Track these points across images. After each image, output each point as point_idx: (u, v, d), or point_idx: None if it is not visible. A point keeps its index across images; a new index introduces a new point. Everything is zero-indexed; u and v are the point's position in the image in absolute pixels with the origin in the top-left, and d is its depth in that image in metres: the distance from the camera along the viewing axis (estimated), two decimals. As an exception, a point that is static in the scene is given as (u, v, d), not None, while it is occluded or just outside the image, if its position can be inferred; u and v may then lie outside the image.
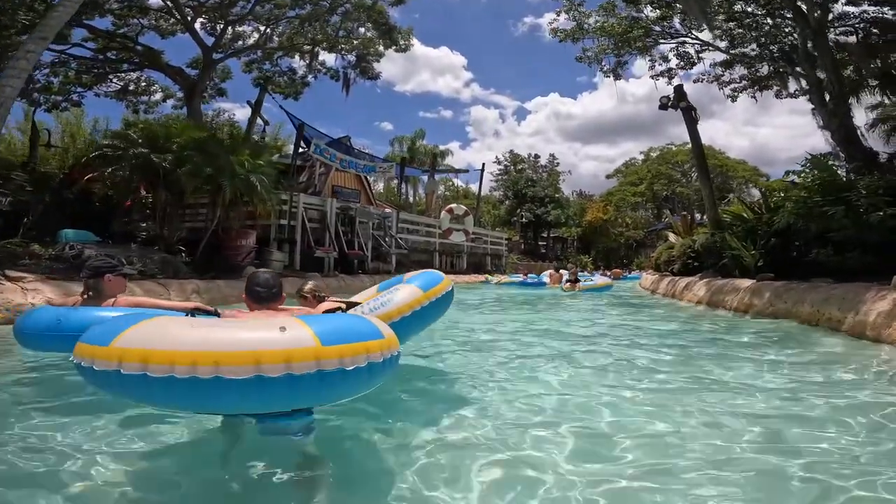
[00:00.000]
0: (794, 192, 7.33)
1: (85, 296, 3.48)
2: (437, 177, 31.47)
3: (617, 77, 16.90)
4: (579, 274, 15.78)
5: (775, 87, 16.13)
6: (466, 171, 29.26)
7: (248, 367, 1.50)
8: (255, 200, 10.21)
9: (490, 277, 19.50)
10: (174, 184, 9.90)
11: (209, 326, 1.67)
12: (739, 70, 16.02)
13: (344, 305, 3.14)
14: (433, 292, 3.28)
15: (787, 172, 7.52)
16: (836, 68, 11.25)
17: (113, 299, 3.40)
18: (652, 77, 16.19)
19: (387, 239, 15.68)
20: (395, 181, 35.97)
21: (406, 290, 3.21)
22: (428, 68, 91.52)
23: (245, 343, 1.55)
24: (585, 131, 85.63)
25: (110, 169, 9.75)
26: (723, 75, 16.30)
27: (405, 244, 16.66)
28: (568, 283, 13.29)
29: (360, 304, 3.27)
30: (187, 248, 10.42)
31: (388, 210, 17.11)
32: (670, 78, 16.19)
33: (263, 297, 2.28)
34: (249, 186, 9.76)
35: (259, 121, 16.47)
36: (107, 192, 10.92)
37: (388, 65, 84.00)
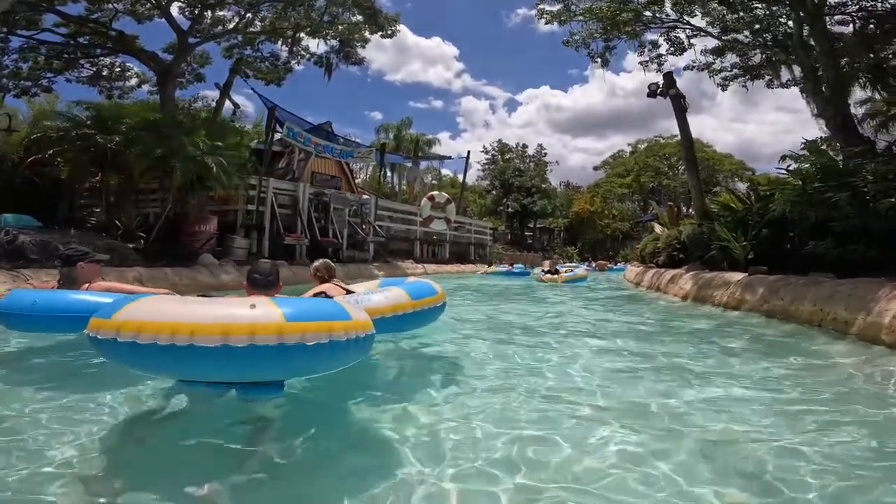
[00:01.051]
0: (790, 179, 6.67)
1: (59, 283, 3.57)
2: (422, 165, 30.67)
3: (605, 63, 16.15)
4: (566, 264, 15.15)
5: (767, 77, 15.53)
6: (449, 157, 28.39)
7: (217, 336, 1.69)
8: (213, 184, 9.36)
9: (487, 269, 18.89)
10: (125, 166, 9.06)
11: (192, 303, 1.89)
12: (731, 58, 15.39)
13: (344, 291, 3.39)
14: (421, 302, 3.47)
15: (784, 157, 6.87)
16: (833, 54, 10.62)
17: (87, 284, 3.47)
18: (641, 63, 15.49)
19: (363, 226, 14.88)
20: (381, 170, 35.10)
21: (394, 293, 3.38)
22: (419, 58, 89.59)
23: (217, 317, 1.74)
24: (575, 124, 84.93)
25: (51, 151, 8.90)
26: (714, 63, 15.65)
27: (383, 232, 15.86)
28: (547, 275, 12.60)
29: (354, 292, 3.43)
30: (149, 235, 9.61)
31: (365, 196, 16.29)
32: (660, 65, 15.47)
33: (260, 284, 2.49)
34: (205, 169, 8.91)
35: (229, 104, 15.49)
36: (56, 175, 10.00)
37: (379, 54, 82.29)
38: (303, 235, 12.65)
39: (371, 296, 3.29)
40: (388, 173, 33.66)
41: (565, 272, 13.10)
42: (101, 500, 1.48)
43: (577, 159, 79.32)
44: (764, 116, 76.33)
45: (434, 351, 3.75)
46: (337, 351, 1.86)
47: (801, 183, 6.28)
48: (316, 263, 3.72)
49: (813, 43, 11.02)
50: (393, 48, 79.40)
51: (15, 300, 3.35)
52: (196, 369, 1.83)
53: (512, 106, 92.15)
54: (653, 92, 13.99)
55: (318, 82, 74.58)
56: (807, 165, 6.31)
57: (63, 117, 9.73)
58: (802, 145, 6.60)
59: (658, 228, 14.59)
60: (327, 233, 13.65)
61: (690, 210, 16.68)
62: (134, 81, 20.78)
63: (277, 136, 15.01)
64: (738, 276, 6.32)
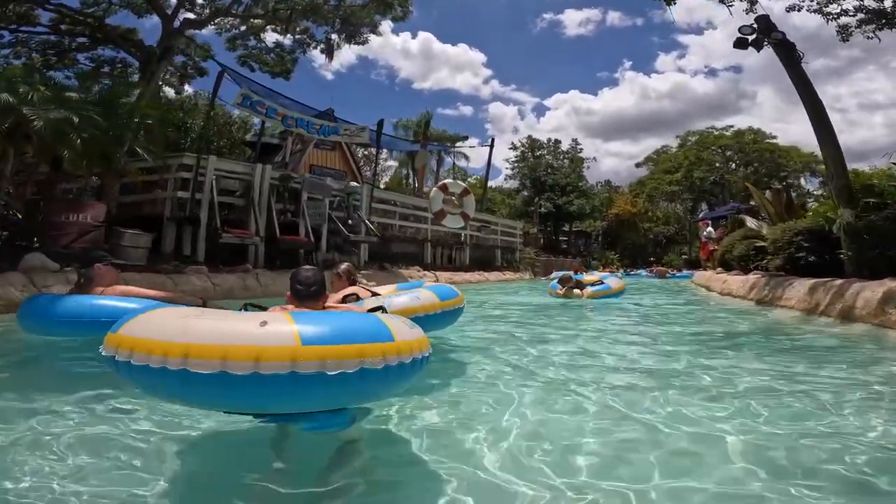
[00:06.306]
0: None
1: (77, 284, 3.51)
2: (446, 164, 26.91)
3: (669, 1, 12.02)
4: (591, 272, 10.79)
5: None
6: (466, 137, 24.39)
7: (213, 361, 1.34)
8: (64, 151, 5.83)
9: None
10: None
11: (195, 318, 1.51)
12: (852, -1, 10.81)
13: (368, 293, 3.05)
14: (448, 303, 3.33)
15: None
16: None
17: (101, 289, 3.39)
18: (722, 1, 11.10)
19: (350, 222, 11.18)
20: (405, 171, 31.45)
21: (425, 295, 3.22)
22: (446, 65, 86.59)
23: (217, 337, 1.38)
24: (606, 127, 79.03)
25: None
26: (830, 4, 11.04)
27: (377, 231, 12.06)
28: (564, 289, 8.28)
29: (381, 295, 3.10)
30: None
31: (354, 184, 12.62)
32: (752, 3, 10.91)
33: (303, 295, 2.11)
34: (28, 126, 5.39)
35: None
36: None
37: (406, 63, 79.89)
38: (253, 232, 9.03)
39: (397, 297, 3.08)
40: (410, 174, 30.27)
41: (590, 283, 8.62)
42: None
43: (609, 163, 73.73)
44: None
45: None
46: (371, 381, 1.42)
47: None
48: (343, 266, 3.46)
49: None
50: (420, 56, 77.11)
51: (32, 305, 3.35)
52: (189, 396, 1.48)
53: (540, 111, 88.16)
54: (743, 40, 9.59)
55: (344, 89, 71.96)
56: None
57: None
58: None
59: (751, 222, 10.15)
60: (296, 229, 10.00)
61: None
62: (136, 78, 19.48)
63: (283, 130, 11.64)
64: None
